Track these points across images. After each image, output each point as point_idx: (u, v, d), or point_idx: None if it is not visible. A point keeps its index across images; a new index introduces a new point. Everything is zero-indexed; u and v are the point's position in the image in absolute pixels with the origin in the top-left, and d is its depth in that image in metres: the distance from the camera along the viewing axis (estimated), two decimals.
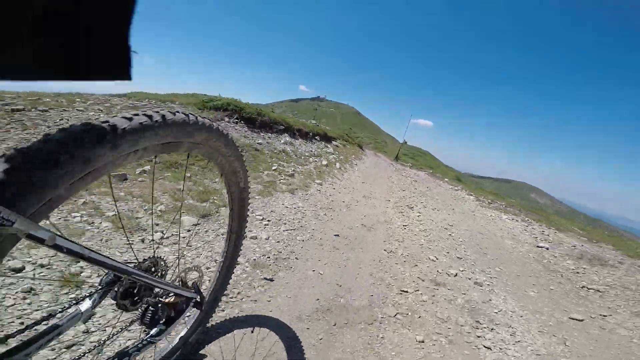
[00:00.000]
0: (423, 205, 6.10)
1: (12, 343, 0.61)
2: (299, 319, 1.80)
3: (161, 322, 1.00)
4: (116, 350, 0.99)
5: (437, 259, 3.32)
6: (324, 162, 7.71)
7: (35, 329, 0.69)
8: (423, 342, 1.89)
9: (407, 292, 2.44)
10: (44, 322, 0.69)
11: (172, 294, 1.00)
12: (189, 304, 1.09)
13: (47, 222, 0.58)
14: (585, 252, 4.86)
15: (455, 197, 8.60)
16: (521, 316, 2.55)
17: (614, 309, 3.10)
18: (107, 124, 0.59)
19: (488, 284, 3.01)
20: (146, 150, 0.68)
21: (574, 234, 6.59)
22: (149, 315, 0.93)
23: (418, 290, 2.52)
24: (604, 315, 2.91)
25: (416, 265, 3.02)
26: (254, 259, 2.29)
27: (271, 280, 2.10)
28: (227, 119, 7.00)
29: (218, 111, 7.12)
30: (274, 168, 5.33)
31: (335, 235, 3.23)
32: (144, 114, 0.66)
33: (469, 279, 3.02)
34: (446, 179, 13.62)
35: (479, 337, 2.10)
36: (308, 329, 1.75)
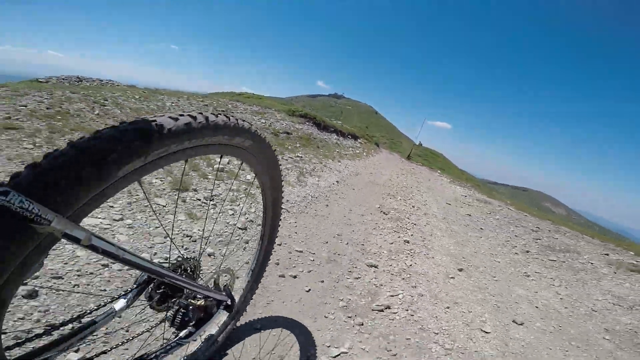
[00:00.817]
0: (410, 177, 11.61)
1: (55, 334, 0.69)
2: (365, 184, 7.38)
3: (191, 324, 1.02)
4: (144, 351, 0.98)
5: (406, 186, 8.85)
6: (357, 151, 13.31)
7: (72, 326, 0.72)
8: (397, 192, 7.45)
9: (393, 185, 8.01)
10: (80, 319, 0.73)
11: (203, 296, 1.01)
12: (219, 306, 1.11)
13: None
14: (483, 200, 10.25)
15: (435, 178, 14.03)
16: (429, 198, 8.05)
17: (467, 209, 8.51)
18: (155, 122, 0.59)
19: (423, 193, 8.51)
20: (189, 152, 0.70)
21: (497, 199, 11.87)
22: (180, 317, 0.94)
23: (399, 187, 8.08)
24: (461, 207, 8.33)
25: (398, 185, 8.57)
26: (347, 173, 7.90)
27: (357, 174, 7.74)
28: (307, 124, 12.64)
29: (302, 117, 12.75)
30: (337, 151, 10.96)
31: (370, 173, 8.84)
32: (189, 115, 0.69)
33: (417, 190, 8.55)
34: (438, 171, 18.92)
35: (413, 195, 7.61)
36: (366, 187, 7.32)
